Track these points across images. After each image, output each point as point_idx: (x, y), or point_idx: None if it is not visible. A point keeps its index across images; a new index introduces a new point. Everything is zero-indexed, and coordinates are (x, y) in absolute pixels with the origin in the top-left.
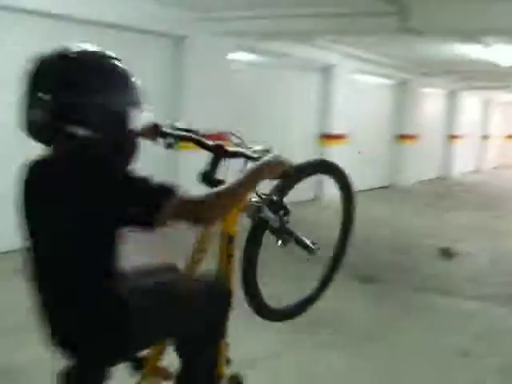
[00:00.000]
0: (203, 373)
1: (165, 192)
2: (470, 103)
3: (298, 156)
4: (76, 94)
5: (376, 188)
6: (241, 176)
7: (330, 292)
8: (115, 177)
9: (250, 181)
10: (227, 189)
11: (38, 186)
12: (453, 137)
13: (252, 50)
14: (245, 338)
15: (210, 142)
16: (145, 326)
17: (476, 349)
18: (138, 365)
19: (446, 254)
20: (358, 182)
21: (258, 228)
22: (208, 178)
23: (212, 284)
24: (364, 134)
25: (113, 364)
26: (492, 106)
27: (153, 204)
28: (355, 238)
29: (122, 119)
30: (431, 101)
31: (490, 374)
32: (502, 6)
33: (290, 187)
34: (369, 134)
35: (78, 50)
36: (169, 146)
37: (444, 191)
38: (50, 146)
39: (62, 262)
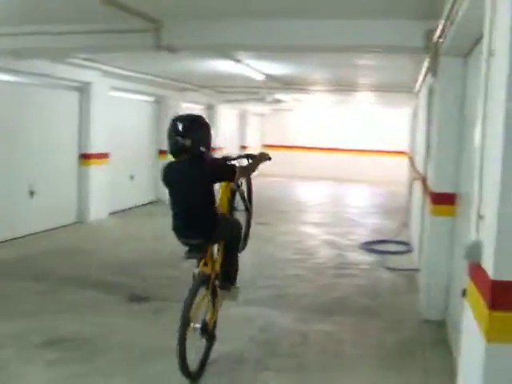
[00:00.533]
0: (235, 252)
1: (234, 167)
2: (228, 116)
3: (61, 179)
4: (202, 133)
5: (145, 204)
6: (252, 161)
7: (101, 318)
8: (216, 163)
9: (257, 163)
10: (251, 165)
11: (177, 171)
12: (213, 149)
13: (5, 70)
14: None
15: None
16: (221, 229)
17: (255, 352)
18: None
19: None
20: (125, 201)
21: (233, 195)
22: None
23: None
24: (127, 151)
25: (212, 243)
26: (248, 118)
27: (232, 171)
28: (121, 258)
29: (211, 143)
30: None
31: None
32: (249, 23)
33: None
34: (132, 151)
35: (195, 114)
36: None
37: None
38: (177, 157)
39: (191, 201)
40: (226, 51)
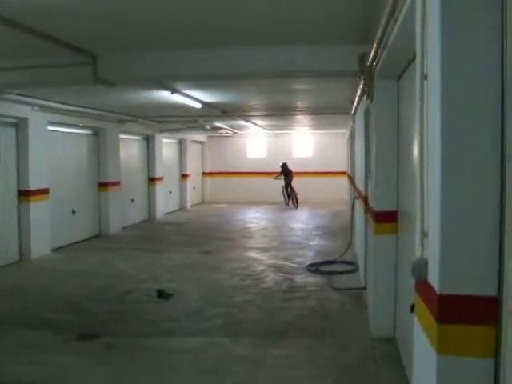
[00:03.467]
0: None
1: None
2: (168, 145)
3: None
4: (287, 165)
5: (88, 239)
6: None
7: (49, 358)
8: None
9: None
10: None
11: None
12: (154, 179)
13: None
14: None
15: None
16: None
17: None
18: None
19: (163, 295)
20: (67, 236)
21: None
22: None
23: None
24: (67, 185)
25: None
26: (188, 146)
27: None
28: (66, 295)
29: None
30: (130, 146)
31: None
32: (184, 53)
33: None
34: (73, 185)
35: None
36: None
37: (151, 233)
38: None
39: (289, 179)
40: (162, 82)
